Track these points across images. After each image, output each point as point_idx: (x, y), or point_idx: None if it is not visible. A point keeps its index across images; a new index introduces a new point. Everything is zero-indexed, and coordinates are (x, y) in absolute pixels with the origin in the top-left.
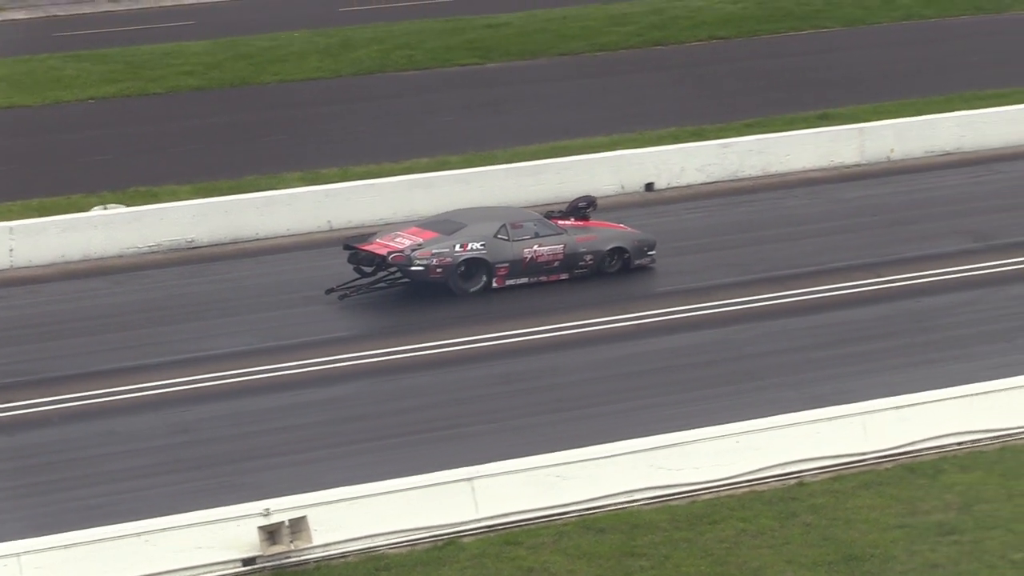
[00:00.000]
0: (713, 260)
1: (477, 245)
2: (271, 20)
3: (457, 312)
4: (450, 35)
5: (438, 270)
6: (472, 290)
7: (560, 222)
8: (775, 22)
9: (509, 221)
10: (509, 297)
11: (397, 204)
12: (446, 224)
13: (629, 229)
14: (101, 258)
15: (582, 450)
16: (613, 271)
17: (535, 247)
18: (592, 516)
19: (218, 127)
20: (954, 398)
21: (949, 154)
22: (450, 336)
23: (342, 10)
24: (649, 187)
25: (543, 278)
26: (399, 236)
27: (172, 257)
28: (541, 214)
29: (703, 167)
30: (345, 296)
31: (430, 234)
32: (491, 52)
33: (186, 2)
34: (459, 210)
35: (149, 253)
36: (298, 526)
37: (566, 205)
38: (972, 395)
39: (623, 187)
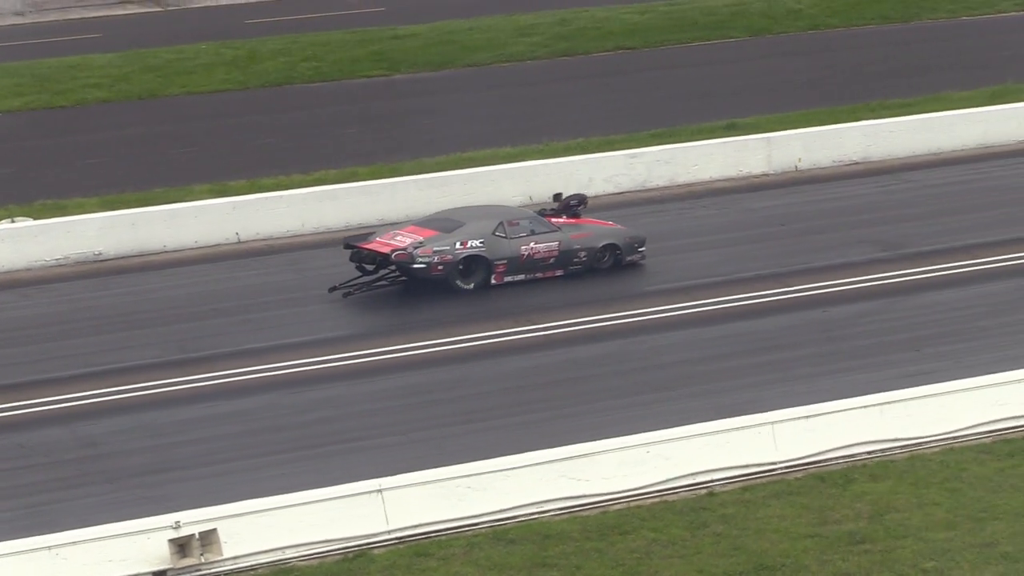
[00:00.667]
0: (621, 270)
1: (476, 243)
2: (178, 32)
3: (370, 324)
4: (356, 46)
5: (439, 267)
6: (472, 287)
7: (553, 220)
8: (682, 32)
9: (506, 219)
10: (426, 307)
11: (305, 216)
12: (445, 222)
13: (619, 226)
14: (8, 271)
15: (492, 461)
16: (606, 267)
17: (532, 244)
18: (503, 527)
19: (126, 140)
20: (863, 407)
21: (856, 163)
22: (360, 348)
23: (248, 22)
24: (557, 198)
25: (539, 274)
26: (399, 235)
27: (80, 270)
28: (535, 212)
29: (611, 178)
30: (349, 294)
31: (429, 232)
32: (398, 63)
33: (93, 15)
34: (456, 208)
35: (56, 266)
36: (208, 539)
37: (558, 203)
38: (881, 404)
39: (530, 198)
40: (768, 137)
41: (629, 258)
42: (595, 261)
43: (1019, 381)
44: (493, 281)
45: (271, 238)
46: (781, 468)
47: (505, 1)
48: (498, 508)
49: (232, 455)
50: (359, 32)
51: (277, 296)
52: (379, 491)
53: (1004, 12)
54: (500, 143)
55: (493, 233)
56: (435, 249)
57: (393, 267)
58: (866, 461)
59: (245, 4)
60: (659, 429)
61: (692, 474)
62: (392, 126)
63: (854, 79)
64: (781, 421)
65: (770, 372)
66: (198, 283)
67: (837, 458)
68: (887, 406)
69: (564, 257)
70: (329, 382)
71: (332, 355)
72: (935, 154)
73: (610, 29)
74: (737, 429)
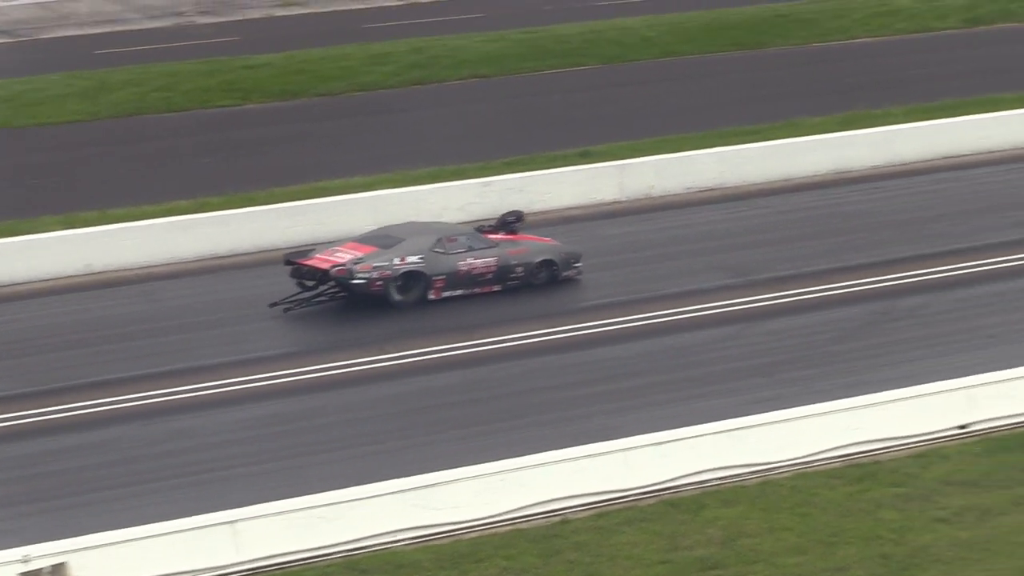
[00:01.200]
0: (475, 299)
1: (415, 258)
2: (28, 63)
3: (238, 352)
4: (208, 76)
5: (378, 283)
6: (410, 302)
7: (491, 236)
8: (535, 60)
9: (444, 235)
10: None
11: (157, 246)
12: (384, 239)
13: (555, 242)
14: None
15: (344, 491)
16: (541, 283)
17: (469, 260)
18: (355, 557)
19: None
20: (714, 433)
21: (709, 190)
22: (221, 377)
23: (98, 52)
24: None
25: (477, 290)
26: (338, 251)
27: None
28: (473, 228)
29: (464, 206)
30: (289, 309)
31: (368, 248)
32: (250, 93)
33: None
34: (394, 225)
35: None
36: (60, 572)
37: (496, 219)
38: (732, 430)
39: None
40: (621, 164)
41: (565, 273)
42: (532, 276)
43: (868, 406)
44: (431, 296)
45: (123, 269)
46: (634, 495)
47: (358, 31)
48: (351, 538)
49: (85, 487)
50: (211, 62)
51: (129, 327)
52: (230, 523)
53: (855, 38)
54: (353, 172)
55: (432, 249)
56: (374, 265)
57: (333, 283)
58: (718, 487)
59: (95, 34)
60: (514, 457)
61: (546, 501)
62: (245, 156)
63: (707, 106)
64: (634, 448)
65: (623, 399)
66: (49, 315)
67: (689, 484)
68: (738, 432)
69: (501, 272)
70: (186, 413)
71: (189, 385)
72: (787, 180)
73: (463, 57)
74: (590, 456)
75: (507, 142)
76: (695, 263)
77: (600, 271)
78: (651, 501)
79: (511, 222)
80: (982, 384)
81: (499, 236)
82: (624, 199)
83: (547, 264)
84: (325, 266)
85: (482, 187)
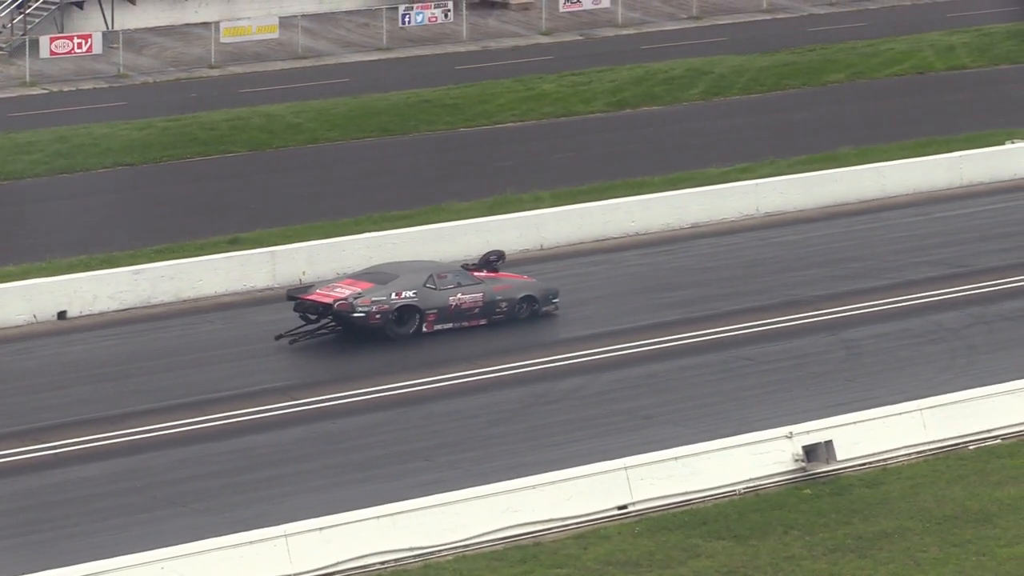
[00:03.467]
0: (128, 386)
1: (410, 293)
2: None
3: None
4: None
5: (376, 316)
6: (405, 335)
7: (475, 274)
8: (181, 147)
9: (435, 272)
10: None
11: None
12: (379, 275)
13: (533, 280)
14: None
15: None
16: (523, 317)
17: (459, 295)
18: None
19: None
20: (376, 517)
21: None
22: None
23: None
24: (62, 315)
25: (465, 323)
26: (337, 287)
27: None
28: (460, 266)
29: (115, 294)
30: (295, 341)
31: (365, 284)
32: None
33: None
34: (386, 263)
35: None
36: None
37: (478, 258)
38: (394, 514)
39: (35, 316)
40: (272, 251)
41: (544, 308)
42: (515, 311)
43: (528, 488)
44: (424, 329)
45: None
46: None
47: (3, 119)
48: None
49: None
50: None
51: None
52: None
53: (501, 123)
54: (4, 261)
55: (424, 285)
56: (373, 299)
57: (331, 317)
58: (380, 571)
59: None
60: (174, 544)
61: None
62: None
63: (356, 191)
64: (296, 533)
65: (282, 485)
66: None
67: (353, 568)
68: (399, 516)
69: (487, 307)
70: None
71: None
72: None
73: (109, 146)
74: (251, 543)
75: (156, 230)
76: (350, 348)
77: (253, 358)
78: None
79: (493, 260)
80: (640, 465)
81: (483, 274)
82: (276, 285)
83: (528, 300)
84: (328, 300)
85: (133, 275)
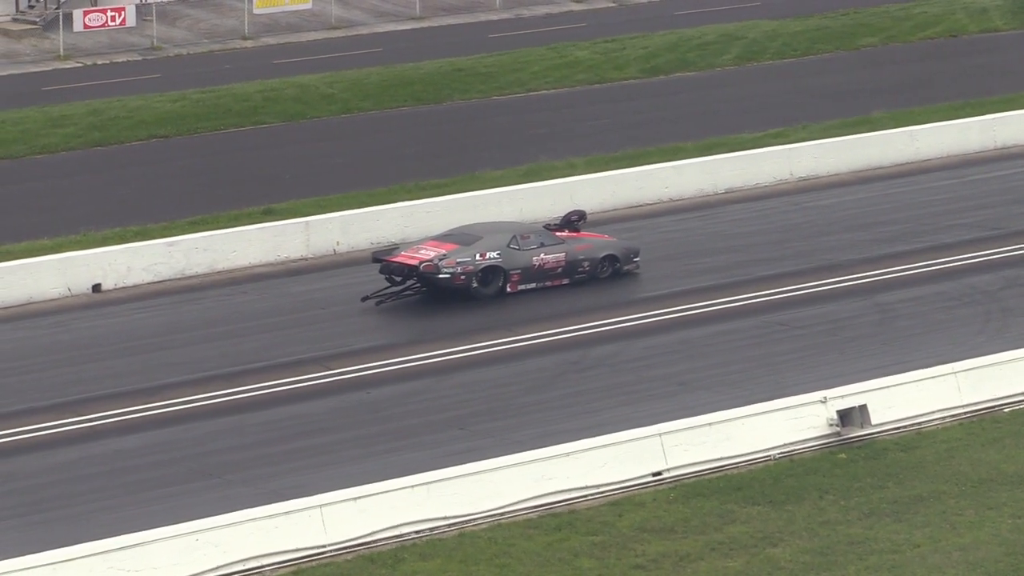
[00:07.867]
0: (162, 359)
1: (494, 254)
2: None
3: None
4: None
5: (462, 277)
6: (490, 294)
7: (557, 233)
8: (216, 119)
9: (518, 232)
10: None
11: None
12: (463, 236)
13: (615, 239)
14: None
15: (36, 556)
16: (605, 276)
17: (542, 255)
18: None
19: None
20: (411, 487)
21: (395, 244)
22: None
23: None
24: (96, 288)
25: (548, 283)
26: (422, 248)
27: None
28: (542, 226)
29: (150, 266)
30: (381, 302)
31: (450, 246)
32: None
33: None
34: (469, 224)
35: None
36: None
37: (560, 218)
38: (428, 483)
39: (70, 289)
40: (306, 221)
41: (626, 267)
42: (597, 270)
43: (562, 456)
44: (508, 290)
45: None
46: (331, 551)
47: (37, 93)
48: None
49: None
50: None
51: None
52: None
53: (534, 91)
54: (38, 235)
55: (508, 245)
56: (458, 260)
57: (417, 278)
58: (415, 540)
59: None
60: (208, 516)
61: (242, 560)
62: None
63: (390, 161)
64: (330, 504)
65: (317, 456)
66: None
67: (387, 538)
68: (434, 485)
69: (569, 267)
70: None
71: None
72: None
73: (142, 118)
74: (286, 513)
75: (190, 202)
76: (381, 319)
77: (289, 328)
78: (349, 557)
79: (575, 220)
80: (675, 431)
81: (564, 234)
82: (311, 256)
83: (610, 259)
84: (413, 262)
85: (167, 247)
